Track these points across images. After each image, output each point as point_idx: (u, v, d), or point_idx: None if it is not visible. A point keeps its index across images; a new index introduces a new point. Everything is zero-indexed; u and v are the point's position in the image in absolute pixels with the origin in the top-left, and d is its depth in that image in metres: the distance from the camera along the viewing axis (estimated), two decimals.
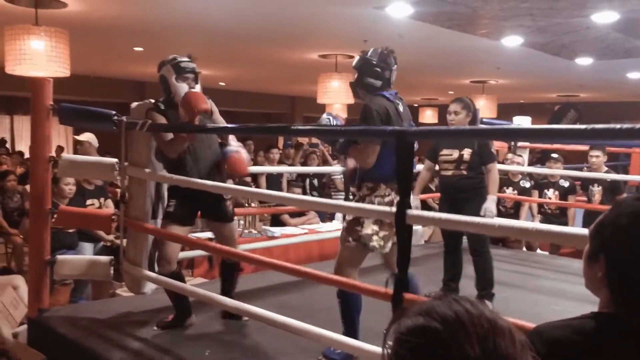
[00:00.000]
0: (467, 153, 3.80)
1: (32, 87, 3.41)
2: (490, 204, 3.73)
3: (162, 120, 3.12)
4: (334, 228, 5.52)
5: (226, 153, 3.22)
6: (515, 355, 0.71)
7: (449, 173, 3.87)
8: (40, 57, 4.70)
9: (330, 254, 5.56)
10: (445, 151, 3.89)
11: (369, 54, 2.89)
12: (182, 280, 3.23)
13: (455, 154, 3.84)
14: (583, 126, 1.74)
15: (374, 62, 2.85)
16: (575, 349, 0.97)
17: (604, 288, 1.01)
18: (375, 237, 2.68)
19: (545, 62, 7.66)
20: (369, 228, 2.67)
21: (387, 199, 2.70)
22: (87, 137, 5.23)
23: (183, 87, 3.11)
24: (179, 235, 3.10)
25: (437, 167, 4.10)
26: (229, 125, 3.15)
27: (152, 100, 3.25)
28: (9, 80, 6.04)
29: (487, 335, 0.70)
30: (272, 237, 4.98)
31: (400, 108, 2.84)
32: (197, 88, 3.18)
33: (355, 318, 2.70)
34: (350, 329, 2.66)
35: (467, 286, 3.85)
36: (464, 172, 3.82)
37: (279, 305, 3.11)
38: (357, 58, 2.95)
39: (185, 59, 3.19)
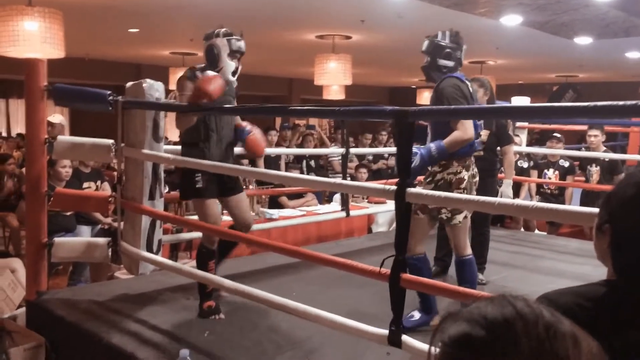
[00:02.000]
0: (484, 133, 3.82)
1: (26, 68, 3.37)
2: (506, 188, 3.81)
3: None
4: (332, 210, 5.52)
5: (244, 134, 3.23)
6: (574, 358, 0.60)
7: None
8: (34, 38, 4.63)
9: (328, 235, 5.58)
10: None
11: (438, 37, 3.03)
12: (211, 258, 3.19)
13: None
14: (585, 104, 1.72)
15: (445, 44, 3.00)
16: (585, 315, 0.94)
17: (610, 259, 1.00)
18: (444, 209, 2.88)
19: (544, 41, 7.60)
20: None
21: (458, 176, 2.91)
22: (59, 119, 5.19)
23: (231, 65, 3.11)
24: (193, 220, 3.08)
25: None
26: (227, 106, 3.12)
27: (191, 67, 3.17)
28: (3, 63, 5.98)
29: (544, 345, 0.60)
30: (270, 219, 4.97)
31: (471, 89, 2.99)
32: (240, 67, 3.18)
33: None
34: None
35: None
36: (481, 153, 3.82)
37: (277, 287, 3.10)
38: (426, 42, 3.08)
39: (239, 37, 3.17)
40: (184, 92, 3.03)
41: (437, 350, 0.65)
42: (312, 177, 2.56)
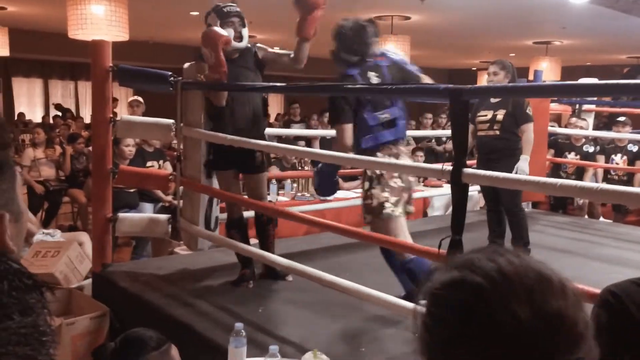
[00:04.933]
0: (500, 114, 3.86)
1: (92, 49, 3.50)
2: (522, 163, 3.77)
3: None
4: None
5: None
6: (568, 310, 0.62)
7: (483, 133, 3.95)
8: (100, 21, 4.80)
9: None
10: (481, 112, 3.96)
11: (345, 25, 2.80)
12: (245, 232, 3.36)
13: (489, 114, 3.90)
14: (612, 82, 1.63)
15: (349, 37, 2.77)
16: None
17: None
18: (387, 204, 2.65)
19: (615, 21, 7.21)
20: (381, 197, 2.65)
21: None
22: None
23: (230, 33, 3.08)
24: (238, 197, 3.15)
25: None
26: (278, 85, 3.15)
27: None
28: (72, 46, 6.24)
29: (534, 289, 0.61)
30: (325, 200, 4.99)
31: (377, 79, 2.72)
32: (245, 32, 3.15)
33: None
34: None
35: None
36: (497, 133, 3.88)
37: (329, 266, 3.13)
38: (334, 26, 2.85)
39: (229, 3, 3.18)
40: (204, 72, 3.14)
41: (424, 304, 0.65)
42: (363, 157, 2.51)
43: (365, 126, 2.69)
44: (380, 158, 2.65)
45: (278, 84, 3.21)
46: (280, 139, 6.06)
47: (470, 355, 0.61)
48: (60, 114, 11.91)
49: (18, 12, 7.39)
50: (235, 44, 3.09)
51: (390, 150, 2.72)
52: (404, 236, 2.69)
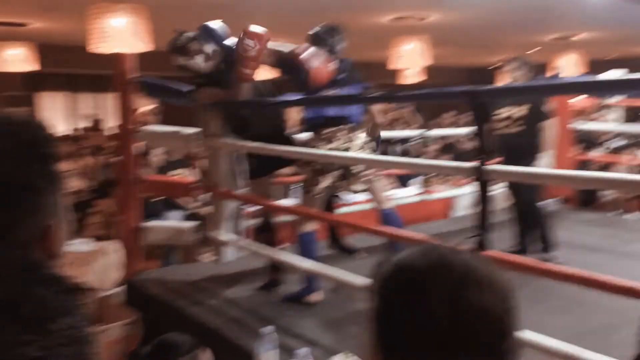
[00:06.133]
0: (519, 111, 3.83)
1: (115, 62, 3.58)
2: (545, 160, 3.74)
3: (215, 90, 3.19)
4: (412, 193, 5.48)
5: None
6: (495, 308, 0.65)
7: (503, 132, 3.92)
8: (120, 33, 4.89)
9: (407, 220, 5.53)
10: (499, 110, 3.94)
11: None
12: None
13: (509, 111, 3.88)
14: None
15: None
16: None
17: None
18: (307, 183, 3.06)
19: (637, 12, 7.08)
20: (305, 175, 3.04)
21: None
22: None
23: (200, 58, 3.18)
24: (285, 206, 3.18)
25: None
26: (292, 99, 3.19)
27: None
28: (97, 59, 6.35)
29: (457, 286, 0.65)
30: (345, 204, 4.99)
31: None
32: (209, 47, 3.21)
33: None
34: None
35: None
36: (518, 129, 3.85)
37: (355, 268, 3.13)
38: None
39: (176, 36, 3.26)
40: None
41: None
42: (385, 157, 2.57)
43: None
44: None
45: (291, 99, 3.23)
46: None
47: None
48: (88, 125, 12.14)
49: (43, 28, 7.57)
50: (208, 64, 3.21)
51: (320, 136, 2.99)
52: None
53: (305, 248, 3.04)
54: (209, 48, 3.19)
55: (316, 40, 3.12)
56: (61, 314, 0.55)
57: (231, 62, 3.11)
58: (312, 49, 2.99)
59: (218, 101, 3.20)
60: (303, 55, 2.92)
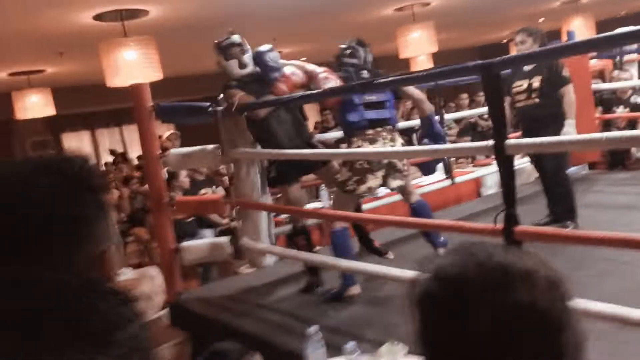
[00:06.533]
0: (536, 81, 3.79)
1: (133, 93, 3.67)
2: (568, 129, 3.63)
3: (241, 92, 3.25)
4: (436, 179, 5.46)
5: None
6: (540, 302, 0.64)
7: (522, 104, 3.89)
8: (134, 65, 5.02)
9: (437, 206, 5.51)
10: (516, 82, 3.90)
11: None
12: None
13: (525, 83, 3.84)
14: None
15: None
16: None
17: None
18: (350, 182, 3.07)
19: None
20: (345, 175, 3.09)
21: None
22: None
23: (234, 63, 3.29)
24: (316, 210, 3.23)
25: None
26: (308, 93, 3.23)
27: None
28: (112, 94, 6.51)
29: (498, 288, 0.65)
30: (376, 197, 5.01)
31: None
32: (247, 56, 3.30)
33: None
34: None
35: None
36: (537, 100, 3.80)
37: (392, 261, 3.15)
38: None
39: (226, 35, 3.34)
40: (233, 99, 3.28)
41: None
42: (403, 147, 2.64)
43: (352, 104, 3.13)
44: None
45: (304, 93, 3.27)
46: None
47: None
48: (113, 159, 12.41)
49: (59, 72, 7.78)
50: (240, 71, 3.30)
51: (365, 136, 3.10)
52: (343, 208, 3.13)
53: (339, 245, 3.08)
54: (247, 59, 3.32)
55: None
56: (122, 325, 0.60)
57: (266, 77, 3.27)
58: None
59: (243, 103, 3.26)
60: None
